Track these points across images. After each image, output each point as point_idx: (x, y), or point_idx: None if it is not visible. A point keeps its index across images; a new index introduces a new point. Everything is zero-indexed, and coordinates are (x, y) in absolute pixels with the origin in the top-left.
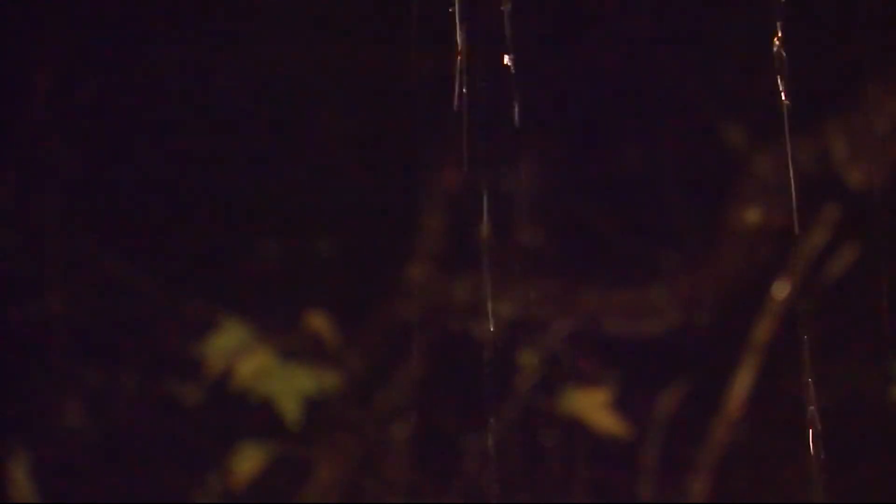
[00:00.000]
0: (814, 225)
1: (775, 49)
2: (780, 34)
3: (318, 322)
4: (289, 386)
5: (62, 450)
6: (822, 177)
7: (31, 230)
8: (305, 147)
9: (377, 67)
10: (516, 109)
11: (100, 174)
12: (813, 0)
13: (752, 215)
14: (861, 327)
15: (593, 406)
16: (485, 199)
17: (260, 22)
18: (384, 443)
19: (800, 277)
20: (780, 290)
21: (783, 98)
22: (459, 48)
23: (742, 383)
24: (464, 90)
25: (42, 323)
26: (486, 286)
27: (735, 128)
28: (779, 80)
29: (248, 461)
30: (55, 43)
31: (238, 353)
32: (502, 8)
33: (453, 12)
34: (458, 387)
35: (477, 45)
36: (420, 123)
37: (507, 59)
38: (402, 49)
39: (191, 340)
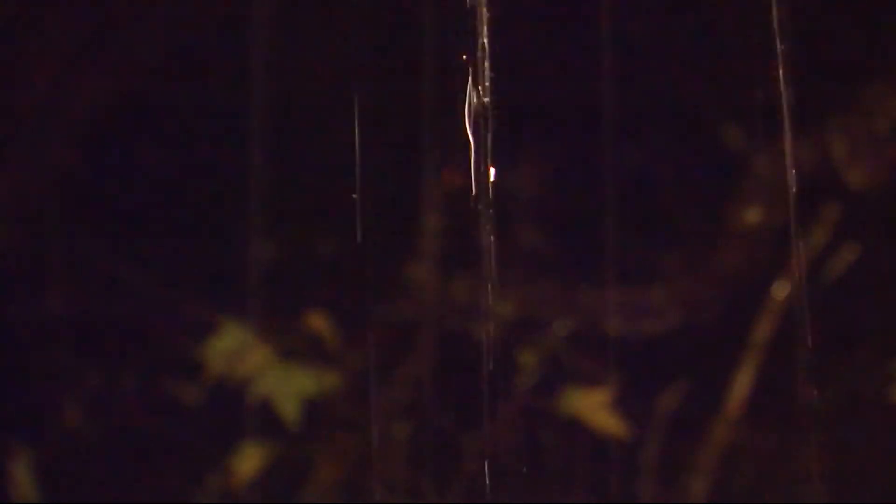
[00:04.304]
0: (814, 225)
1: (775, 49)
2: (779, 34)
3: (318, 322)
4: (289, 386)
5: (62, 450)
6: (822, 177)
7: (32, 230)
8: (305, 147)
9: (378, 67)
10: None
11: (100, 174)
12: (813, 0)
13: (752, 215)
14: (861, 327)
15: (593, 406)
16: (484, 199)
17: (259, 20)
18: (384, 443)
19: (800, 277)
20: (780, 290)
21: (783, 98)
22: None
23: (742, 383)
24: (475, 89)
25: (42, 323)
26: (486, 286)
27: (735, 128)
28: (779, 81)
29: (248, 461)
30: (56, 42)
31: (238, 353)
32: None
33: (455, 14)
34: (458, 387)
35: (479, 46)
36: (421, 123)
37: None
38: (403, 49)
39: (191, 341)
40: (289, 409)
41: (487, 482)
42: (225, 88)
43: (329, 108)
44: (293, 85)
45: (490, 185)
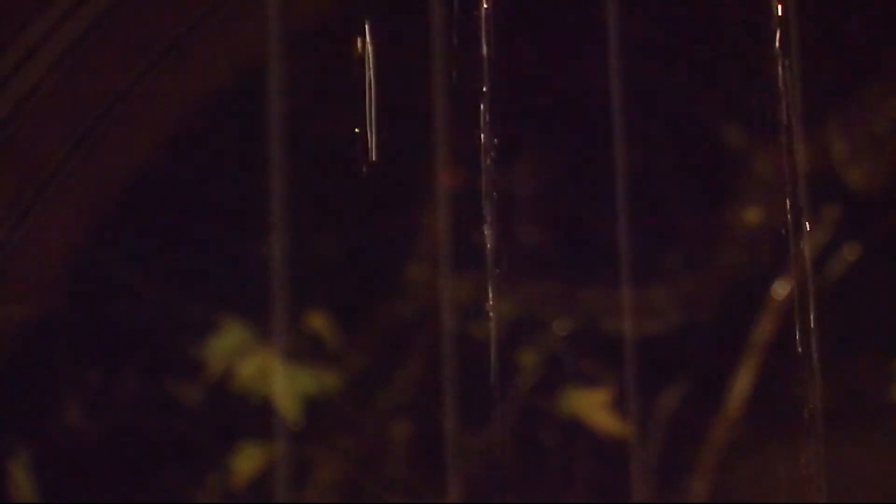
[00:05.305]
0: (814, 225)
1: (775, 49)
2: (779, 33)
3: (318, 322)
4: (289, 386)
5: (62, 450)
6: (822, 177)
7: (33, 230)
8: (305, 147)
9: (380, 67)
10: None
11: (100, 174)
12: (813, 0)
13: (752, 215)
14: (861, 327)
15: (593, 406)
16: (485, 199)
17: (259, 18)
18: (384, 443)
19: (800, 277)
20: (780, 290)
21: (783, 98)
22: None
23: (742, 383)
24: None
25: (42, 323)
26: (486, 286)
27: (735, 128)
28: (779, 80)
29: (248, 461)
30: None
31: (238, 353)
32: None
33: (457, 17)
34: (459, 387)
35: (479, 47)
36: (421, 122)
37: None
38: (404, 49)
39: (191, 341)
40: (289, 409)
41: (488, 482)
42: (232, 89)
43: (331, 108)
44: (297, 86)
45: (490, 184)
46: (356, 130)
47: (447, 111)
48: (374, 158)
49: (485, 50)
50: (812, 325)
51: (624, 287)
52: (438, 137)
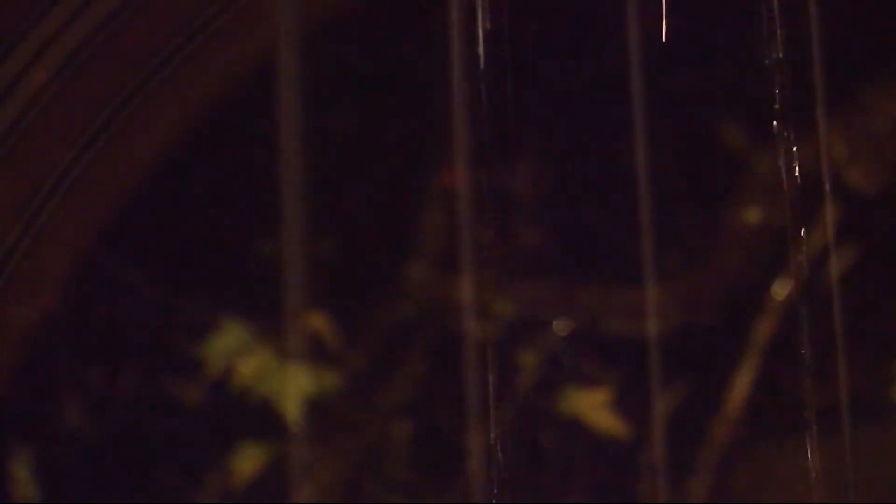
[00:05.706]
0: (814, 225)
1: (776, 48)
2: (780, 33)
3: (318, 322)
4: (289, 386)
5: (63, 449)
6: (822, 177)
7: (41, 234)
8: (305, 147)
9: (378, 67)
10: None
11: (100, 173)
12: (812, 0)
13: (752, 215)
14: (861, 327)
15: (593, 406)
16: (486, 199)
17: (260, 17)
18: (384, 443)
19: (800, 277)
20: (780, 290)
21: (783, 98)
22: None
23: (742, 383)
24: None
25: (42, 323)
26: (487, 286)
27: (735, 128)
28: (779, 80)
29: (248, 461)
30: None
31: (238, 353)
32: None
33: (454, 14)
34: (459, 387)
35: (478, 47)
36: (421, 123)
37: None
38: (403, 49)
39: (191, 340)
40: (289, 409)
41: (488, 482)
42: (238, 91)
43: (330, 107)
44: (292, 84)
45: (490, 184)
46: (358, 131)
47: (450, 110)
48: (379, 156)
49: (484, 49)
50: (812, 325)
51: (646, 288)
52: (442, 137)
